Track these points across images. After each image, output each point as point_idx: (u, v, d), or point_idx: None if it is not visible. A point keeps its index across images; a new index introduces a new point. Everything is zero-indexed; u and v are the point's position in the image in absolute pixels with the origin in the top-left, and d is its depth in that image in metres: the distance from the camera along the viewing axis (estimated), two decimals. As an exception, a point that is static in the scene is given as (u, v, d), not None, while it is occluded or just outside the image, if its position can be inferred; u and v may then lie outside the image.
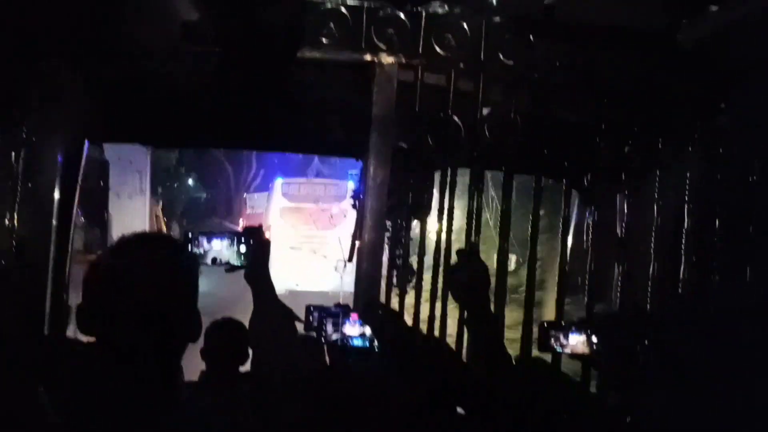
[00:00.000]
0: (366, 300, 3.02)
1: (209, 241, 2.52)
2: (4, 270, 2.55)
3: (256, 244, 2.53)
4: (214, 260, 2.51)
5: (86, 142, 3.96)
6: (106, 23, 2.77)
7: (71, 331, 2.94)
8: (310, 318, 3.10)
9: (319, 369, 3.00)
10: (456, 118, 3.06)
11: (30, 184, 2.85)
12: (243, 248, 2.52)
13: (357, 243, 4.02)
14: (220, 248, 2.52)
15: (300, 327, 2.78)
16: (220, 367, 3.80)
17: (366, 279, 3.04)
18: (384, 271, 3.20)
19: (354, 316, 2.97)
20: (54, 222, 2.98)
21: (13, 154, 2.80)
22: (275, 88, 3.46)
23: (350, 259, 4.38)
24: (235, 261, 2.52)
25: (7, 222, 2.70)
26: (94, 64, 3.00)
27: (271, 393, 2.35)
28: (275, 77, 3.29)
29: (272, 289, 2.50)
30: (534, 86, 3.04)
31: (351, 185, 19.64)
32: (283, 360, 2.49)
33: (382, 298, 3.17)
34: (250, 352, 3.21)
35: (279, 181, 19.64)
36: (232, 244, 2.53)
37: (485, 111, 3.08)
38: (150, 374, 1.64)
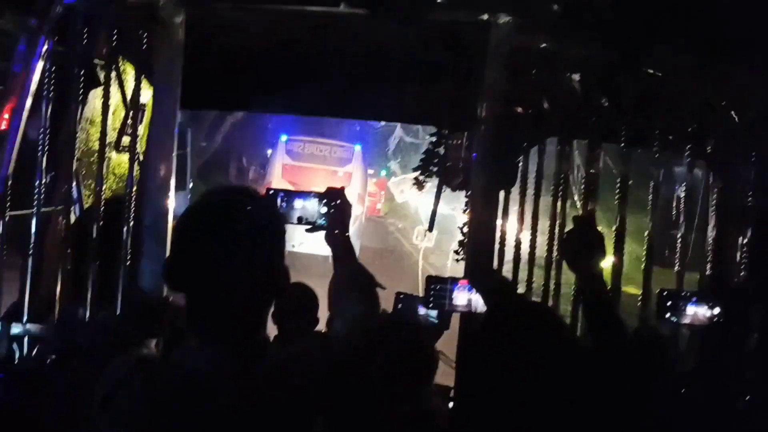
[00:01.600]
0: (479, 269, 2.96)
1: (290, 199, 2.48)
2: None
3: (338, 206, 2.46)
4: (300, 219, 2.48)
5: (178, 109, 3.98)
6: None
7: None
8: (399, 305, 3.08)
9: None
10: (575, 83, 2.96)
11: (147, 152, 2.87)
12: (324, 209, 2.47)
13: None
14: (301, 207, 2.48)
15: (379, 291, 2.74)
16: (292, 331, 3.82)
17: (478, 249, 2.98)
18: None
19: (464, 282, 2.92)
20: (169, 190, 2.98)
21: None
22: (380, 54, 3.41)
23: (430, 229, 4.34)
24: (317, 221, 2.47)
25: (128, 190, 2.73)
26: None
27: (349, 356, 2.30)
28: (383, 43, 3.24)
29: (353, 251, 2.44)
30: (658, 49, 2.90)
31: (358, 149, 19.11)
32: (362, 325, 2.45)
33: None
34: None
35: (283, 138, 18.71)
36: (313, 203, 2.49)
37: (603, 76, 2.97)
38: (236, 329, 1.61)
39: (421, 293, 3.07)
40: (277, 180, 17.41)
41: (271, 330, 3.75)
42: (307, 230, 2.50)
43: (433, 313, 3.08)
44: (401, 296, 3.20)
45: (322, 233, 2.44)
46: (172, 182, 2.87)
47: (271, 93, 3.83)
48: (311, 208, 2.48)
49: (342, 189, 2.53)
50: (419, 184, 4.25)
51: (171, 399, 1.52)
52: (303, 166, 17.92)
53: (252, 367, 1.60)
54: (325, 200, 2.48)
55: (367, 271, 2.47)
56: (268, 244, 1.69)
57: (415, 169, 4.21)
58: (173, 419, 1.51)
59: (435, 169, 4.23)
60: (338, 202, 2.46)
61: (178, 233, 1.70)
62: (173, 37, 2.86)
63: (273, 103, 4.26)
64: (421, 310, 3.11)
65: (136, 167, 2.81)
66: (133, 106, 2.86)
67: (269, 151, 21.06)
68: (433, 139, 4.26)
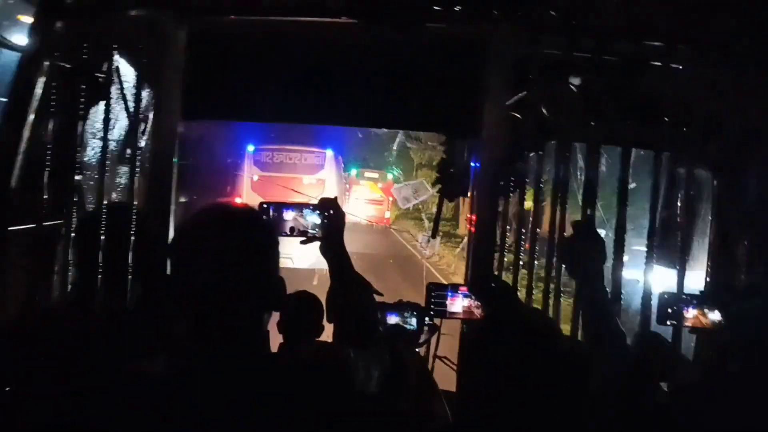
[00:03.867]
0: (480, 274, 2.98)
1: (283, 211, 2.49)
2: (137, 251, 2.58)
3: (332, 215, 2.47)
4: (291, 230, 2.48)
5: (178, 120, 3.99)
6: None
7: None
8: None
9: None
10: (572, 86, 2.96)
11: (145, 165, 2.88)
12: (318, 219, 2.48)
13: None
14: (293, 218, 2.49)
15: (378, 299, 2.74)
16: (296, 340, 3.84)
17: (479, 255, 3.00)
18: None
19: (463, 289, 2.94)
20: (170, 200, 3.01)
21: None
22: (383, 62, 3.43)
23: (434, 236, 4.35)
24: (311, 232, 2.49)
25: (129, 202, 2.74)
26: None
27: (350, 363, 2.32)
28: (384, 52, 3.26)
29: (349, 260, 2.45)
30: (658, 50, 2.88)
31: (330, 154, 17.74)
32: (362, 332, 2.46)
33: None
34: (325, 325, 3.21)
35: (250, 148, 17.65)
36: (307, 215, 2.49)
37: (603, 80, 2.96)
38: (237, 343, 1.63)
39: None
40: (246, 192, 16.52)
41: (277, 338, 3.80)
42: (302, 242, 2.51)
43: (412, 321, 3.10)
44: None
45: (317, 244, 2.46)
46: (173, 193, 2.91)
47: (272, 102, 3.85)
48: (303, 219, 2.50)
49: (335, 199, 2.54)
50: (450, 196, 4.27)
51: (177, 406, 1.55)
52: (273, 176, 16.87)
53: (255, 377, 1.63)
54: (318, 211, 2.49)
55: (363, 280, 2.48)
56: (264, 257, 1.71)
57: (434, 183, 4.23)
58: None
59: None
60: (332, 212, 2.48)
61: (176, 249, 1.72)
62: (175, 50, 2.89)
63: (274, 112, 4.27)
64: (393, 318, 3.11)
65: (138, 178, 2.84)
66: (135, 117, 2.89)
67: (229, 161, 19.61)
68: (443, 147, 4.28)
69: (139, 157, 2.87)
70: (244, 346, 1.66)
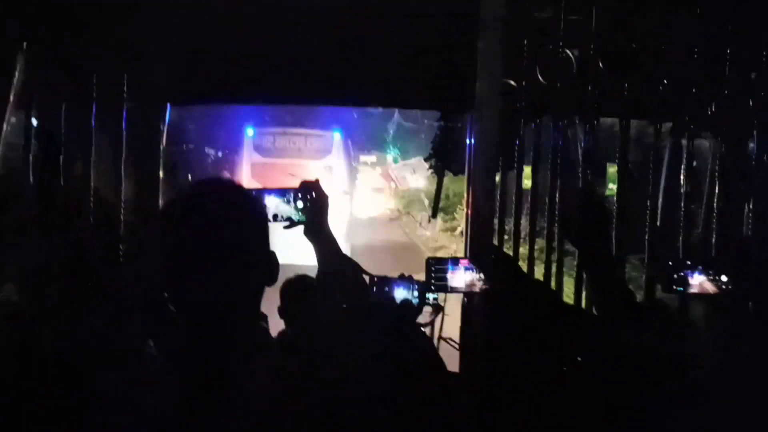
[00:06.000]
0: (479, 247, 2.93)
1: (264, 197, 2.46)
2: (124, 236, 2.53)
3: (315, 199, 2.48)
4: (275, 216, 2.45)
5: (168, 105, 3.94)
6: None
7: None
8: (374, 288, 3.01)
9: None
10: (569, 52, 2.90)
11: (131, 152, 2.82)
12: (300, 204, 2.47)
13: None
14: (276, 204, 2.46)
15: (367, 279, 2.70)
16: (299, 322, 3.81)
17: (479, 227, 2.95)
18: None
19: (464, 262, 2.89)
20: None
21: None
22: (369, 36, 3.37)
23: (434, 215, 4.33)
24: (294, 217, 2.47)
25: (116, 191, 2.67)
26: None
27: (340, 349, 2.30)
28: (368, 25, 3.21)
29: (334, 243, 2.47)
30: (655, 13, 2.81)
31: (338, 136, 16.23)
32: (352, 315, 2.45)
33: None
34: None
35: (249, 132, 16.09)
36: (289, 199, 2.48)
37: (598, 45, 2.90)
38: (231, 322, 1.59)
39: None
40: (246, 180, 14.81)
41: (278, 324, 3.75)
42: (285, 227, 2.49)
43: (415, 295, 3.03)
44: (375, 279, 3.15)
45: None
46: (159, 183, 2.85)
47: (257, 82, 3.78)
48: (286, 204, 2.47)
49: (316, 181, 2.52)
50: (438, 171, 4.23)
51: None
52: (275, 162, 15.45)
53: (255, 358, 1.59)
54: (300, 195, 2.48)
55: (351, 260, 2.46)
56: (255, 230, 1.68)
57: (426, 159, 4.20)
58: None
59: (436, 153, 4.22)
60: (314, 195, 2.48)
61: (166, 233, 1.68)
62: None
63: (260, 92, 4.21)
64: (399, 292, 3.04)
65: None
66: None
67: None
68: (438, 123, 4.24)
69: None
70: (244, 328, 1.61)
